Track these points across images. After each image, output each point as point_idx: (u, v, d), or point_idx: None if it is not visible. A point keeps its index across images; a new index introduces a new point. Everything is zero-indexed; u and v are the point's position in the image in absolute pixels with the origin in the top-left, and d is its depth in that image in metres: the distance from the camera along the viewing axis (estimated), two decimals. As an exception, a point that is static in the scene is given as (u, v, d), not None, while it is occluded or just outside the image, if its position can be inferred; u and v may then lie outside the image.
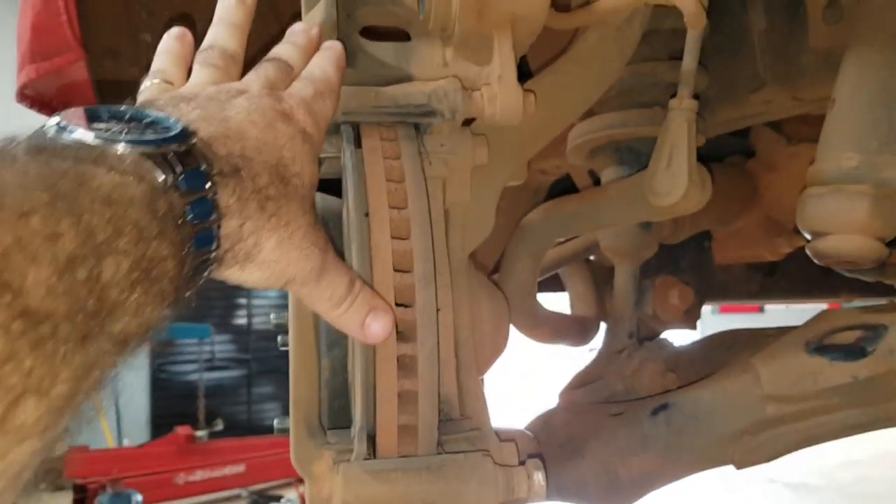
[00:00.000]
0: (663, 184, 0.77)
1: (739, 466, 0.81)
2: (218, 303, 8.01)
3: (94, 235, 0.34)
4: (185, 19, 1.12)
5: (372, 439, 0.61)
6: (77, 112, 0.41)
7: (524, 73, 0.75)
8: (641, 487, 0.81)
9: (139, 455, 5.63)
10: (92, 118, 0.41)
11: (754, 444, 0.79)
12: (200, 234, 0.42)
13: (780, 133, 1.16)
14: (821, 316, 0.83)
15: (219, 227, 0.43)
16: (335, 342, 0.68)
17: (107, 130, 0.40)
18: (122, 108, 0.43)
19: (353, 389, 0.61)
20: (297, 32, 0.61)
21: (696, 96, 0.77)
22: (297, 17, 0.67)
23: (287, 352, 0.70)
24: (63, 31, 0.98)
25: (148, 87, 0.55)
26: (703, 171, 0.78)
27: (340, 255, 0.65)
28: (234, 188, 0.44)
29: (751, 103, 0.97)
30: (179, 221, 0.40)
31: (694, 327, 1.26)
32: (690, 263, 1.27)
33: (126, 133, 0.40)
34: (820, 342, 0.79)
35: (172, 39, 0.59)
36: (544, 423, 0.87)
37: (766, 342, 0.84)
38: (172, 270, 0.39)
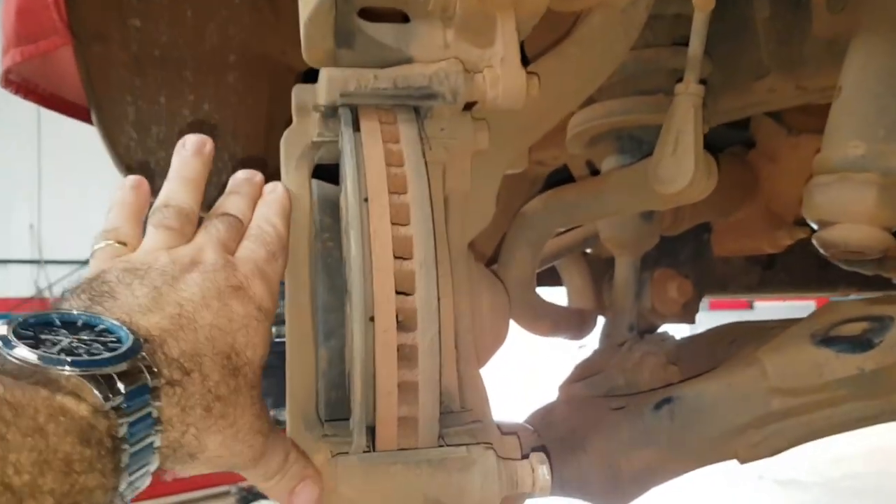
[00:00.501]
0: (668, 170, 0.75)
1: (743, 461, 0.80)
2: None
3: (19, 474, 0.34)
4: (177, 2, 1.10)
5: (371, 431, 0.59)
6: (28, 318, 0.42)
7: (523, 59, 0.73)
8: (644, 482, 0.79)
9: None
10: (43, 326, 0.42)
11: (759, 437, 0.78)
12: (136, 453, 0.42)
13: (781, 124, 1.15)
14: (826, 307, 0.82)
15: (158, 439, 0.44)
16: (332, 332, 0.65)
17: (54, 345, 0.41)
18: (75, 314, 0.44)
19: (352, 380, 0.59)
20: (240, 182, 0.62)
21: (702, 82, 0.76)
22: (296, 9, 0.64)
23: (284, 345, 0.68)
24: (49, 13, 0.96)
25: (100, 250, 0.54)
26: (710, 159, 0.76)
27: (335, 257, 0.64)
28: (180, 397, 0.45)
29: (754, 92, 0.95)
30: (115, 445, 0.40)
31: (692, 321, 1.25)
32: (689, 256, 1.25)
33: (73, 349, 0.41)
34: (826, 334, 0.78)
35: (128, 190, 0.59)
36: (544, 417, 0.86)
37: (770, 335, 0.83)
38: (103, 498, 0.39)
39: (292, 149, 0.65)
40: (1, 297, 7.01)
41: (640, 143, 0.92)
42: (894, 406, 0.78)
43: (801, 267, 1.45)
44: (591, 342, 1.17)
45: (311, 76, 0.65)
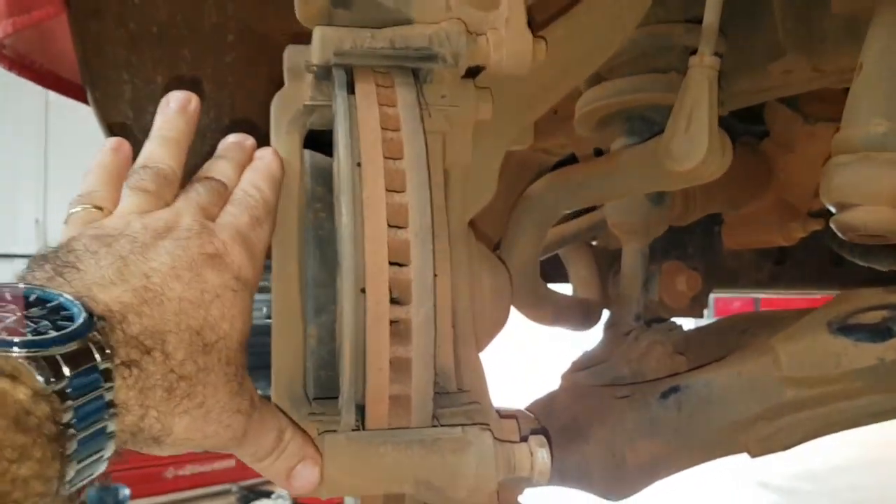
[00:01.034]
0: (681, 147, 0.72)
1: (755, 454, 0.76)
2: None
3: None
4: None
5: (361, 410, 0.56)
6: None
7: (529, 23, 0.70)
8: (649, 474, 0.75)
9: (127, 449, 5.56)
10: None
11: (771, 430, 0.74)
12: (85, 439, 0.39)
13: (797, 112, 1.11)
14: (843, 296, 0.78)
15: (112, 424, 0.41)
16: (323, 307, 0.62)
17: None
18: (27, 289, 0.40)
19: (341, 355, 0.56)
20: (230, 146, 0.59)
21: (717, 55, 0.72)
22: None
23: None
24: (42, -19, 0.93)
25: (75, 215, 0.51)
26: (724, 135, 0.73)
27: (327, 229, 0.60)
28: (137, 378, 0.42)
29: (769, 74, 0.92)
30: (59, 431, 0.37)
31: (701, 315, 1.21)
32: (698, 249, 1.21)
33: (17, 328, 0.38)
34: (843, 322, 0.74)
35: (107, 153, 0.56)
36: (546, 406, 0.82)
37: (784, 324, 0.79)
38: (41, 487, 0.36)
39: (283, 112, 0.62)
40: (6, 292, 6.99)
41: (650, 125, 0.88)
42: (914, 400, 0.74)
43: (812, 263, 1.41)
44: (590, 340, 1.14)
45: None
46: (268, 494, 5.08)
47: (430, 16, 0.62)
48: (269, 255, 0.61)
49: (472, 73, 0.66)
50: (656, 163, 0.76)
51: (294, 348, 0.61)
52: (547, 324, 1.04)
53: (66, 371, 0.38)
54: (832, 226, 0.74)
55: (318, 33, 0.58)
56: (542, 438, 0.57)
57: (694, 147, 0.71)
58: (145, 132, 0.58)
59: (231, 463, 5.38)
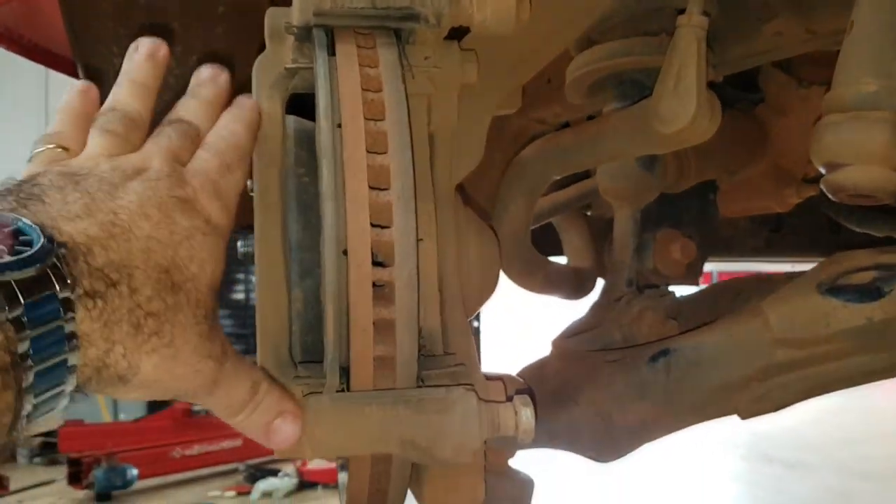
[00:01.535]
0: (670, 108, 0.71)
1: (745, 416, 0.76)
2: (215, 278, 7.96)
3: None
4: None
5: (346, 372, 0.56)
6: None
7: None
8: (638, 437, 0.76)
9: (135, 429, 5.61)
10: None
11: (761, 391, 0.74)
12: (43, 371, 0.37)
13: (790, 76, 1.10)
14: (834, 258, 0.78)
15: (74, 357, 0.39)
16: (308, 271, 0.62)
17: None
18: None
19: (325, 317, 0.56)
20: (203, 82, 0.57)
21: (706, 15, 0.71)
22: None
23: None
24: (26, -49, 0.92)
25: (39, 154, 0.50)
26: (713, 96, 0.72)
27: (310, 193, 0.60)
28: (102, 311, 0.41)
29: (762, 36, 0.90)
30: (13, 361, 0.35)
31: (696, 283, 1.20)
32: (694, 217, 1.21)
33: None
34: (833, 283, 0.74)
35: (75, 95, 0.54)
36: (536, 372, 0.82)
37: (776, 288, 0.79)
38: None
39: (264, 76, 0.62)
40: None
41: (641, 89, 0.87)
42: (905, 359, 0.74)
43: (809, 230, 1.41)
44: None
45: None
46: (275, 473, 5.13)
47: None
48: (252, 221, 0.61)
49: (457, 35, 0.66)
50: (645, 125, 0.75)
51: (279, 312, 0.61)
52: (539, 292, 1.04)
53: (22, 298, 0.36)
54: (822, 187, 0.73)
55: None
56: (527, 398, 0.57)
57: (682, 107, 0.70)
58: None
59: (238, 442, 5.43)
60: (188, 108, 0.55)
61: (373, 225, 0.55)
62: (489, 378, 0.63)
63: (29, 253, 0.37)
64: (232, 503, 4.77)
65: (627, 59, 0.84)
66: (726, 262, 1.52)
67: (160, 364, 0.44)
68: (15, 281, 0.36)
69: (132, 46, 0.56)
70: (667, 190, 1.10)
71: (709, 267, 1.32)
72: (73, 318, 0.39)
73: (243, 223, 0.60)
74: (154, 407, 6.50)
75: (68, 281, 0.39)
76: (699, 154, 1.07)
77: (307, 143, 0.64)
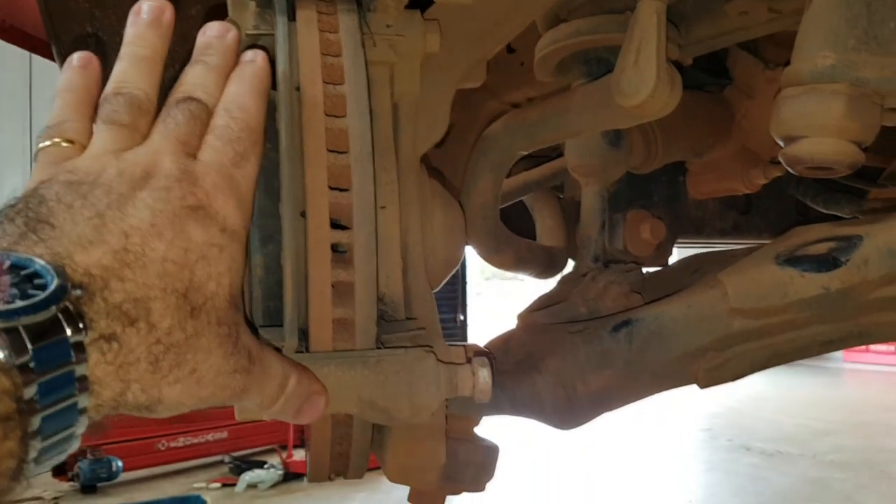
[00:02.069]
0: (630, 81, 0.72)
1: (704, 385, 0.77)
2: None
3: None
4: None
5: (305, 334, 0.56)
6: None
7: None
8: (600, 404, 0.77)
9: (120, 421, 5.54)
10: None
11: (719, 360, 0.76)
12: (52, 415, 0.37)
13: (757, 58, 1.11)
14: (793, 231, 0.79)
15: (84, 399, 0.38)
16: (270, 237, 0.62)
17: None
18: (1, 254, 0.37)
19: (284, 279, 0.56)
20: (210, 42, 0.51)
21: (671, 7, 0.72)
22: None
23: None
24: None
25: (44, 150, 0.47)
26: (673, 70, 0.73)
27: (272, 159, 0.59)
28: (117, 354, 0.39)
29: (727, 15, 0.91)
30: (19, 407, 0.35)
31: (665, 264, 1.22)
32: (663, 197, 1.22)
33: None
34: (791, 254, 0.75)
35: (74, 72, 0.50)
36: (502, 344, 0.83)
37: (736, 261, 0.80)
38: None
39: (226, 42, 0.62)
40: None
41: (608, 66, 0.88)
42: (861, 328, 0.76)
43: (777, 212, 1.43)
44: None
45: None
46: (260, 464, 5.12)
47: None
48: None
49: (420, 5, 0.66)
50: (609, 99, 0.76)
51: None
52: (509, 269, 1.05)
53: (29, 344, 0.35)
54: (781, 159, 0.74)
55: None
56: (485, 359, 0.58)
57: (642, 80, 0.71)
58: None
59: (224, 434, 5.41)
60: (196, 78, 0.50)
61: (332, 188, 0.55)
62: (451, 345, 0.64)
63: (41, 297, 0.36)
64: (217, 495, 4.75)
65: (593, 36, 0.85)
66: (695, 245, 1.54)
67: (184, 391, 0.43)
68: (24, 326, 0.36)
69: (133, 10, 0.50)
70: (636, 170, 1.11)
71: (676, 251, 1.33)
72: (85, 361, 0.38)
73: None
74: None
75: (80, 325, 0.38)
76: (667, 134, 1.08)
77: (270, 112, 0.64)
